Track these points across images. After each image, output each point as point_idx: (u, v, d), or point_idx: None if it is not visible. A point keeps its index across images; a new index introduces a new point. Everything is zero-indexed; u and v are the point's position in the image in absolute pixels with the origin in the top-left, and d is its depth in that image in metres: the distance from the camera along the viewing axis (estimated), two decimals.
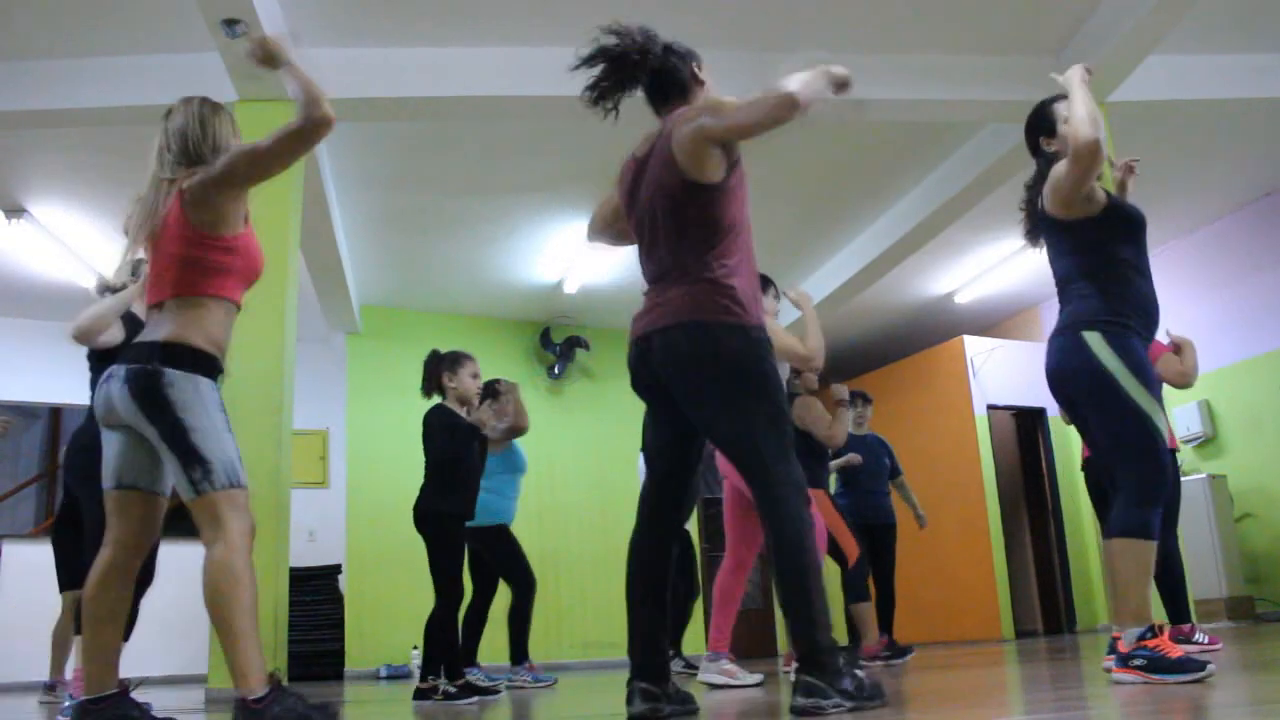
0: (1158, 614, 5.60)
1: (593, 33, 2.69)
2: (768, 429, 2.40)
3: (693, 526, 8.31)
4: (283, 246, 5.27)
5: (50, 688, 5.06)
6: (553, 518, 8.79)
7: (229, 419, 2.48)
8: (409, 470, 4.99)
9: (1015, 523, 9.90)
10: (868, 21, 5.69)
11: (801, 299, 4.23)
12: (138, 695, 2.69)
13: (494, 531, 5.32)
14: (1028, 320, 10.46)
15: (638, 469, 6.39)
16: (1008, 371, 9.54)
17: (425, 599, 4.60)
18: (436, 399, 4.77)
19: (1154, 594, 4.68)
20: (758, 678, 4.14)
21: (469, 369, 4.72)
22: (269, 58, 2.61)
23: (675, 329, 2.45)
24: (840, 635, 7.81)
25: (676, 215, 2.54)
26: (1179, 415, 8.26)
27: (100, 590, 2.46)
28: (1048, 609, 9.62)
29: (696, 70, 2.76)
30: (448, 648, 4.51)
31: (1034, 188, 3.07)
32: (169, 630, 6.08)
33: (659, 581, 2.54)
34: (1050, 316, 10.26)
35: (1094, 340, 2.72)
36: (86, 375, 3.87)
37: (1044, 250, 3.05)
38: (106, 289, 3.87)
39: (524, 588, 5.33)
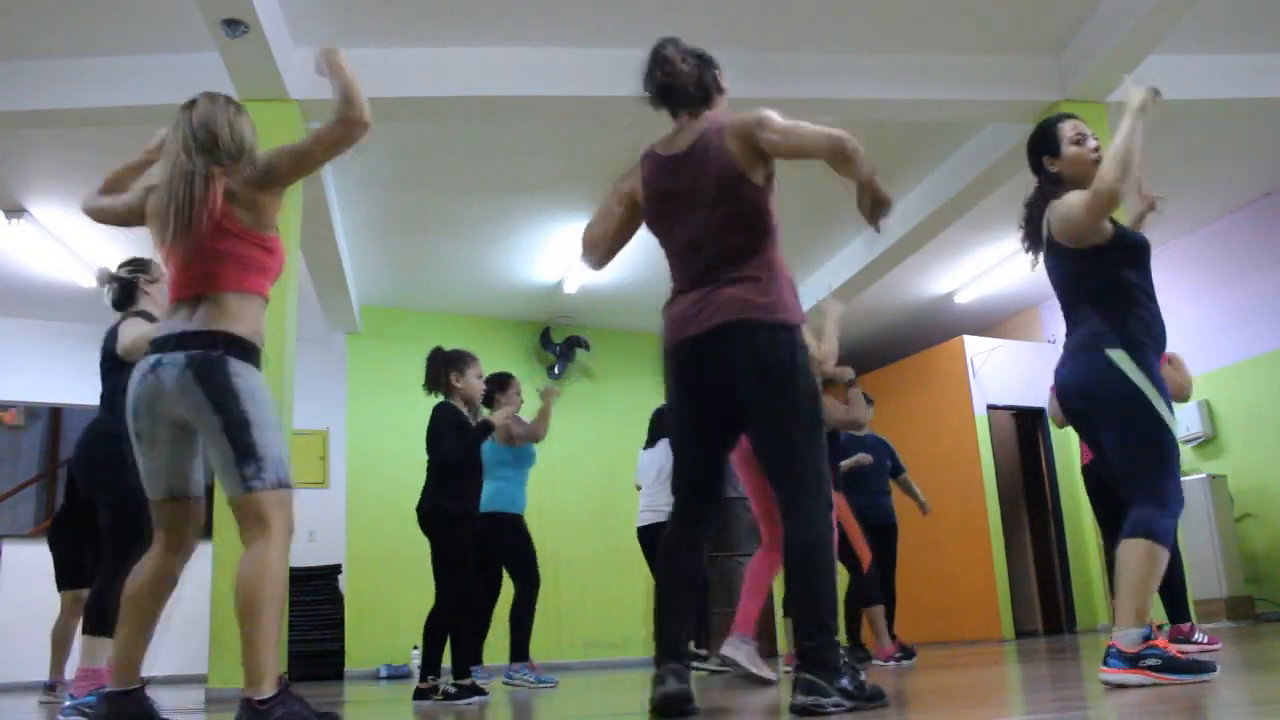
0: (1157, 615, 5.59)
1: (628, 39, 2.70)
2: (811, 430, 2.46)
3: None
4: None
5: (50, 688, 5.06)
6: (553, 518, 8.78)
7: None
8: (409, 470, 4.99)
9: (1015, 523, 9.90)
10: (868, 21, 5.69)
11: (832, 309, 4.31)
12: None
13: (510, 519, 5.35)
14: (1028, 320, 10.46)
15: (639, 467, 6.39)
16: (1008, 371, 9.53)
17: (425, 599, 4.59)
18: (436, 397, 4.76)
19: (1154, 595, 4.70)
20: (774, 677, 4.15)
21: (475, 370, 4.74)
22: (334, 67, 2.58)
23: (735, 327, 2.45)
24: (840, 636, 7.81)
25: (728, 211, 2.55)
26: (1179, 415, 8.25)
27: (150, 596, 2.47)
28: (1048, 609, 9.61)
29: (719, 78, 2.84)
30: (453, 645, 4.49)
31: (1034, 206, 3.04)
32: (169, 630, 6.08)
33: (695, 571, 2.58)
34: (1050, 317, 10.31)
35: (1120, 358, 2.73)
36: (93, 373, 3.86)
37: (1046, 265, 3.02)
38: (112, 280, 3.82)
39: (529, 583, 5.33)
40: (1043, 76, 6.06)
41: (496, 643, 5.53)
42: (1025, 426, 10.01)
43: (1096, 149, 2.98)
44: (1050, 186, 2.98)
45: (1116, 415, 2.77)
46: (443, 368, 4.69)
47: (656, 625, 2.54)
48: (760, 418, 2.49)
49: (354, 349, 9.41)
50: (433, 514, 4.51)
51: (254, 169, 2.52)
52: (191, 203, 2.45)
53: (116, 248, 7.65)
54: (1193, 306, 8.23)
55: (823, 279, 8.88)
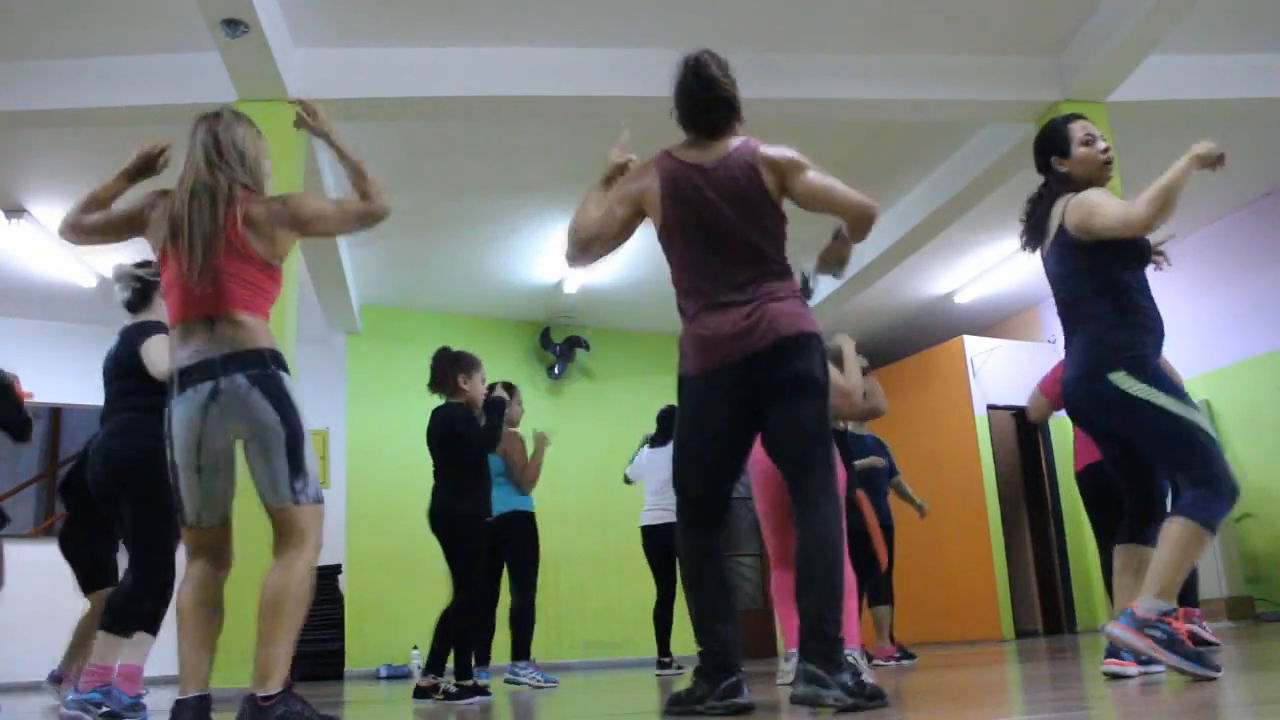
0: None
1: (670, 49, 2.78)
2: (828, 435, 2.61)
3: None
4: None
5: (58, 679, 5.08)
6: (553, 518, 8.77)
7: None
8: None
9: (1015, 523, 9.90)
10: (868, 21, 5.69)
11: (848, 343, 4.40)
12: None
13: (526, 517, 5.42)
14: (1028, 320, 10.46)
15: (644, 465, 6.39)
16: (1008, 371, 9.53)
17: (425, 599, 4.60)
18: (437, 397, 4.77)
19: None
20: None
21: (481, 374, 4.78)
22: (324, 131, 2.72)
23: (792, 342, 2.55)
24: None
25: (761, 230, 2.65)
26: None
27: (204, 613, 2.47)
28: (1048, 609, 9.61)
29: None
30: (459, 645, 4.49)
31: (1039, 203, 3.05)
32: (169, 630, 6.08)
33: (721, 570, 2.63)
34: (1050, 316, 10.29)
35: (1121, 379, 2.76)
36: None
37: (1045, 262, 3.04)
38: (132, 279, 3.76)
39: (530, 584, 5.36)
40: (1043, 76, 6.06)
41: (495, 643, 5.53)
42: (1025, 426, 10.00)
43: (1106, 150, 2.99)
44: (1059, 186, 2.99)
45: (1136, 432, 2.82)
46: (451, 368, 4.70)
47: (710, 632, 2.53)
48: (790, 423, 2.56)
49: (354, 349, 9.41)
50: (447, 515, 4.51)
51: (280, 204, 2.56)
52: (214, 218, 2.45)
53: (117, 249, 7.67)
54: (1193, 306, 8.22)
55: (823, 279, 8.88)
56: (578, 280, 8.85)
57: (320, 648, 8.07)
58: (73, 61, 5.47)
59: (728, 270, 2.62)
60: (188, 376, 2.42)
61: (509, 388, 5.29)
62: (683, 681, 4.27)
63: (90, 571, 4.68)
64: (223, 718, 2.45)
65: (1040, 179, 3.11)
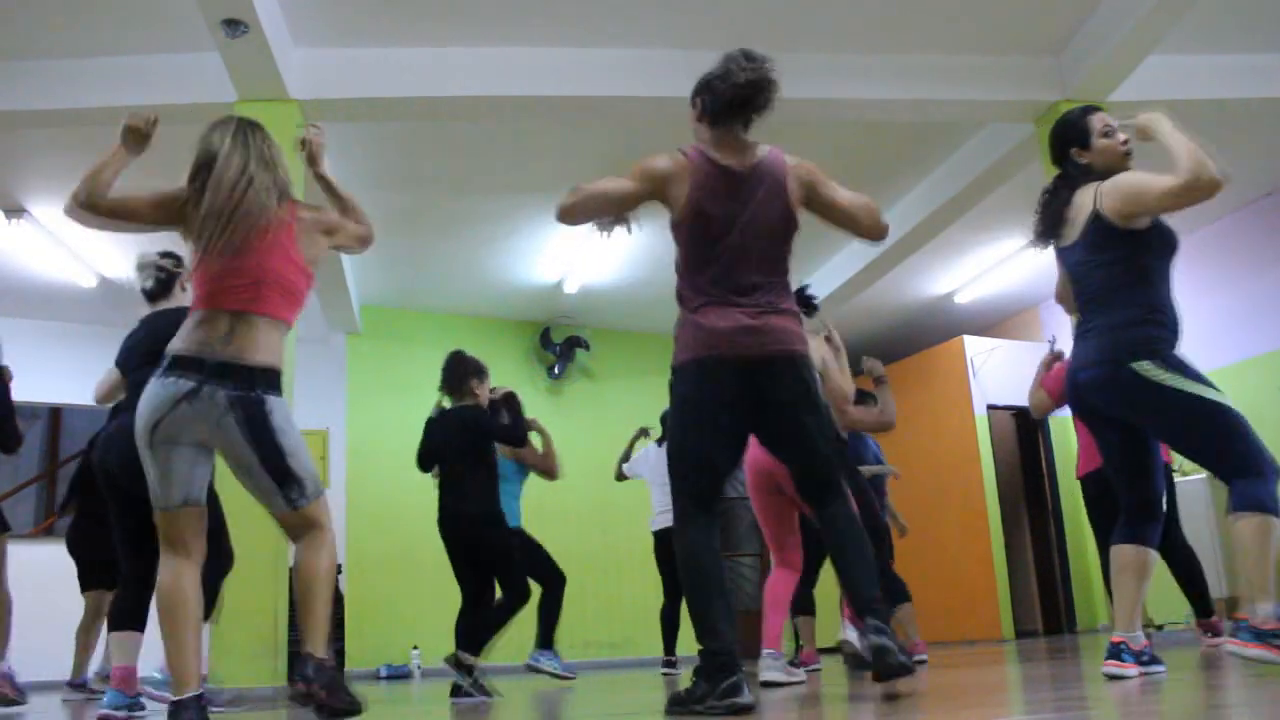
0: (1179, 609, 5.62)
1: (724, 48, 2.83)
2: (830, 440, 2.84)
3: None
4: None
5: (80, 685, 5.11)
6: (552, 518, 8.79)
7: None
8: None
9: (1015, 523, 9.90)
10: (868, 21, 5.69)
11: (832, 347, 4.39)
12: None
13: (514, 533, 5.44)
14: (1028, 320, 10.45)
15: (647, 463, 6.38)
16: (1008, 371, 9.52)
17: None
18: (441, 397, 4.79)
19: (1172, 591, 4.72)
20: (805, 677, 4.21)
21: (489, 379, 4.87)
22: (316, 166, 2.91)
23: (785, 359, 2.69)
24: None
25: (777, 244, 2.78)
26: None
27: (192, 601, 2.47)
28: (1048, 609, 9.61)
29: None
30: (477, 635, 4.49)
31: (1055, 195, 3.02)
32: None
33: (720, 569, 2.70)
34: (1050, 316, 10.32)
35: (1146, 369, 2.75)
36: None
37: (1066, 253, 2.99)
38: (156, 268, 3.75)
39: (521, 596, 5.36)
40: (1043, 76, 6.06)
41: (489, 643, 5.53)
42: (1025, 426, 10.00)
43: (1126, 142, 2.98)
44: (1079, 178, 2.97)
45: (1166, 421, 2.79)
46: (468, 373, 4.76)
47: (712, 632, 2.56)
48: (797, 433, 2.74)
49: (354, 349, 9.41)
50: (484, 517, 4.55)
51: (317, 211, 2.74)
52: (266, 211, 2.54)
53: (117, 248, 7.67)
54: (1193, 306, 8.14)
55: (823, 279, 8.88)
56: (578, 280, 8.85)
57: None
58: (73, 61, 5.47)
59: (742, 273, 2.70)
60: (176, 364, 2.45)
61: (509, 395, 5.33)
62: (683, 681, 4.28)
63: (94, 569, 4.70)
64: (223, 717, 2.45)
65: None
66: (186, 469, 2.46)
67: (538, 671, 5.52)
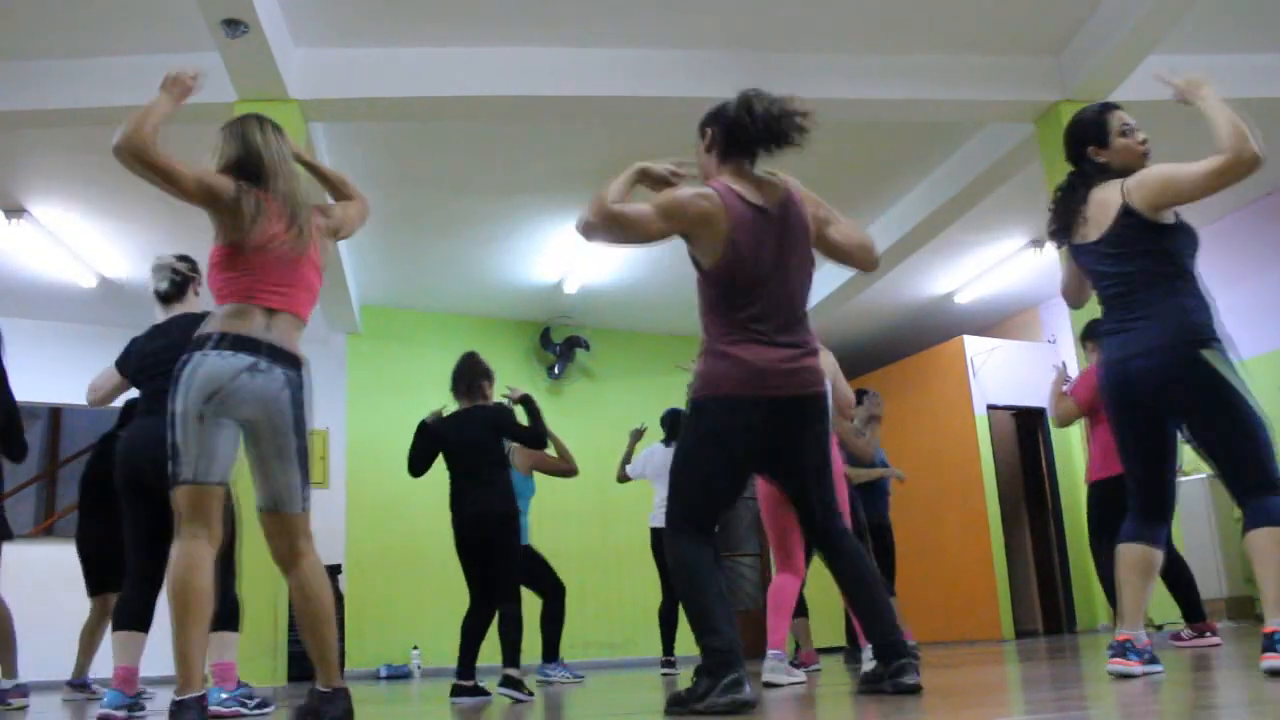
0: (1171, 613, 5.63)
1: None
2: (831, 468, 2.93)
3: None
4: None
5: (82, 686, 5.11)
6: (552, 518, 8.81)
7: None
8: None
9: (1015, 523, 9.90)
10: (867, 21, 5.69)
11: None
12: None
13: (526, 550, 5.55)
14: (1028, 320, 10.46)
15: (652, 463, 6.37)
16: (1008, 371, 9.53)
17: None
18: (435, 399, 4.78)
19: (1160, 593, 4.72)
20: (804, 676, 4.24)
21: (496, 384, 4.88)
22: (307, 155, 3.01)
23: (813, 400, 2.77)
24: (838, 638, 7.80)
25: (806, 281, 2.85)
26: None
27: (209, 594, 2.45)
28: (1048, 609, 9.62)
29: None
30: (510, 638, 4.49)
31: (1072, 193, 2.99)
32: (167, 630, 6.07)
33: (715, 573, 2.74)
34: (1050, 317, 10.30)
35: (1213, 358, 2.73)
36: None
37: (1087, 251, 2.95)
38: (173, 271, 3.74)
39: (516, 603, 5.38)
40: (1043, 76, 6.06)
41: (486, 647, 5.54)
42: (1025, 426, 10.01)
43: (1144, 141, 2.97)
44: (1096, 176, 2.95)
45: (1215, 415, 2.75)
46: (482, 376, 4.78)
47: (714, 630, 2.58)
48: (810, 465, 2.81)
49: (354, 349, 9.40)
50: (507, 516, 4.56)
51: (325, 214, 2.80)
52: (308, 221, 2.65)
53: (117, 248, 7.68)
54: None
55: (823, 279, 8.87)
56: (578, 280, 8.85)
57: None
58: (73, 61, 5.47)
59: (777, 312, 2.74)
60: (228, 340, 2.47)
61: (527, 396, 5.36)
62: (683, 681, 4.28)
63: (104, 570, 4.69)
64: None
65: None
66: (227, 447, 2.48)
67: (550, 683, 5.57)
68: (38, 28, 5.26)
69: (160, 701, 3.91)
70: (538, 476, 6.02)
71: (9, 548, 4.53)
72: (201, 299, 3.71)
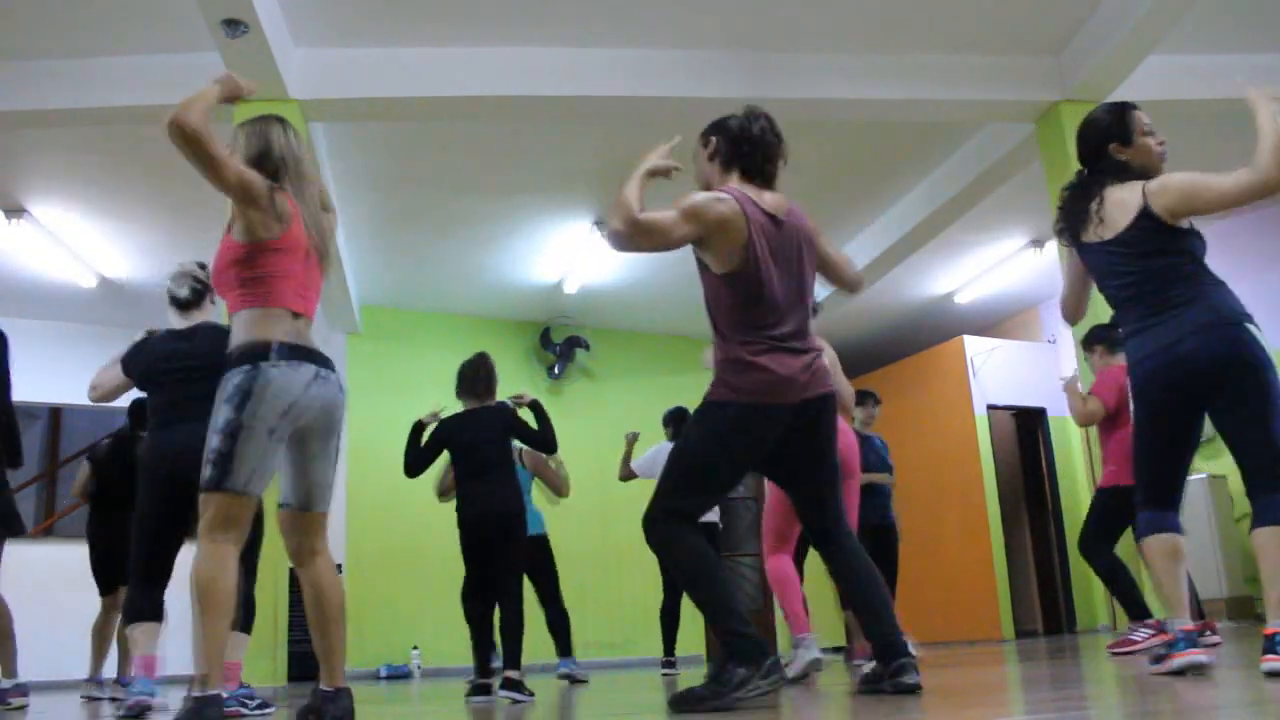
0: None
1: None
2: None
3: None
4: None
5: (99, 683, 5.13)
6: (553, 518, 8.81)
7: None
8: None
9: (1015, 523, 9.90)
10: (867, 21, 5.70)
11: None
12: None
13: (543, 540, 5.80)
14: (1028, 320, 10.46)
15: (654, 464, 6.37)
16: (1008, 371, 9.53)
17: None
18: (450, 403, 4.79)
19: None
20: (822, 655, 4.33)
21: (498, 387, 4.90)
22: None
23: (827, 399, 2.85)
24: (838, 638, 7.81)
25: (808, 286, 2.94)
26: None
27: (234, 593, 2.46)
28: (1048, 609, 9.62)
29: None
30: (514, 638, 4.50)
31: (1084, 191, 2.97)
32: (180, 630, 6.08)
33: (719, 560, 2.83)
34: (1050, 317, 10.29)
35: (1259, 335, 2.75)
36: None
37: (1099, 250, 2.93)
38: (194, 279, 3.74)
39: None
40: (1043, 76, 6.06)
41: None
42: (1025, 426, 10.01)
43: (1162, 143, 2.97)
44: (1114, 174, 2.93)
45: (1253, 396, 2.70)
46: (493, 377, 4.77)
47: (738, 616, 2.65)
48: (819, 467, 2.88)
49: (354, 349, 9.40)
50: (519, 516, 4.56)
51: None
52: (331, 225, 2.75)
53: (117, 248, 7.68)
54: None
55: (821, 279, 8.88)
56: (578, 280, 8.85)
57: None
58: (73, 61, 5.47)
59: (792, 319, 2.81)
60: (290, 351, 2.46)
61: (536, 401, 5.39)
62: (683, 681, 4.28)
63: (117, 567, 4.71)
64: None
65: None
66: (277, 462, 2.50)
67: (574, 679, 5.70)
68: (38, 28, 5.26)
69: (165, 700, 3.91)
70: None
71: (8, 548, 4.53)
72: (216, 308, 3.72)
